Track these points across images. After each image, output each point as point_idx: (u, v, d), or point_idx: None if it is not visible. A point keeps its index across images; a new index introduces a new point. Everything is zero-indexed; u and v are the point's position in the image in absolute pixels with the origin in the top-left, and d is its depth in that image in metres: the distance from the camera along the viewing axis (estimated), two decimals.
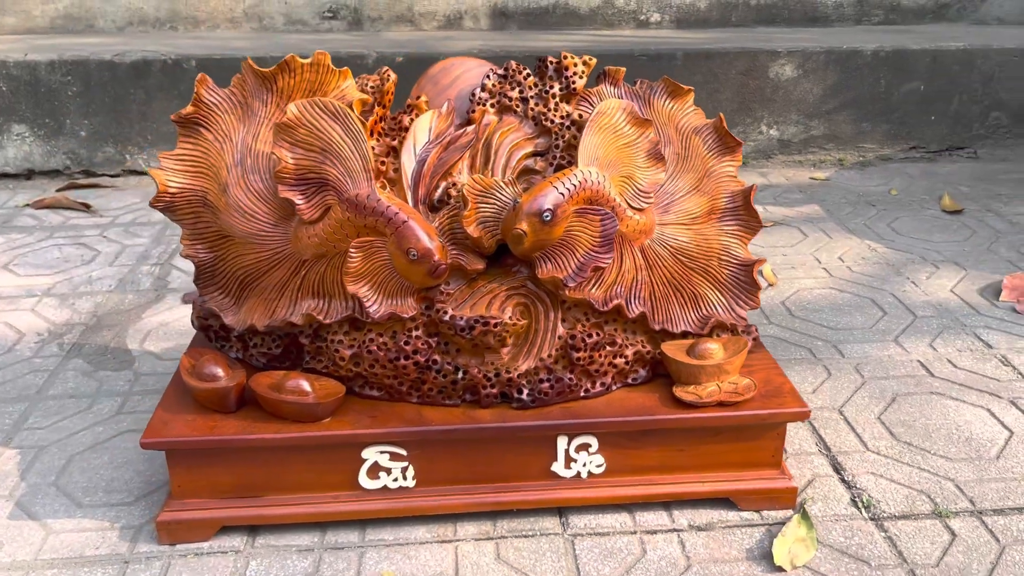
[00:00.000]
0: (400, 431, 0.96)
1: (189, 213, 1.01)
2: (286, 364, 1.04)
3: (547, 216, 0.92)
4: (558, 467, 1.01)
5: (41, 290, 1.60)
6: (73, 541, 0.99)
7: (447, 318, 0.95)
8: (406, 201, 0.97)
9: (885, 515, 1.03)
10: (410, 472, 0.99)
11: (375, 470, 0.98)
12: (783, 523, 1.01)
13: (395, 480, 0.99)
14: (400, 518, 1.01)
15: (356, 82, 1.03)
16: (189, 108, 0.99)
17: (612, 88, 1.07)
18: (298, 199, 0.93)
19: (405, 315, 0.95)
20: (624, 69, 1.07)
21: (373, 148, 0.98)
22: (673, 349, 1.02)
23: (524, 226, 0.92)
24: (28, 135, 2.14)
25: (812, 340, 1.42)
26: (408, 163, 0.98)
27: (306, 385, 0.96)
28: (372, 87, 1.02)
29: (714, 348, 1.01)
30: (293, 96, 0.97)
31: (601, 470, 1.01)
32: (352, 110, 0.92)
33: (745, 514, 1.03)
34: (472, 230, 0.95)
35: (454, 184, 0.99)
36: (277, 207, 0.96)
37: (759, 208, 2.05)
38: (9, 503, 1.05)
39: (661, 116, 1.08)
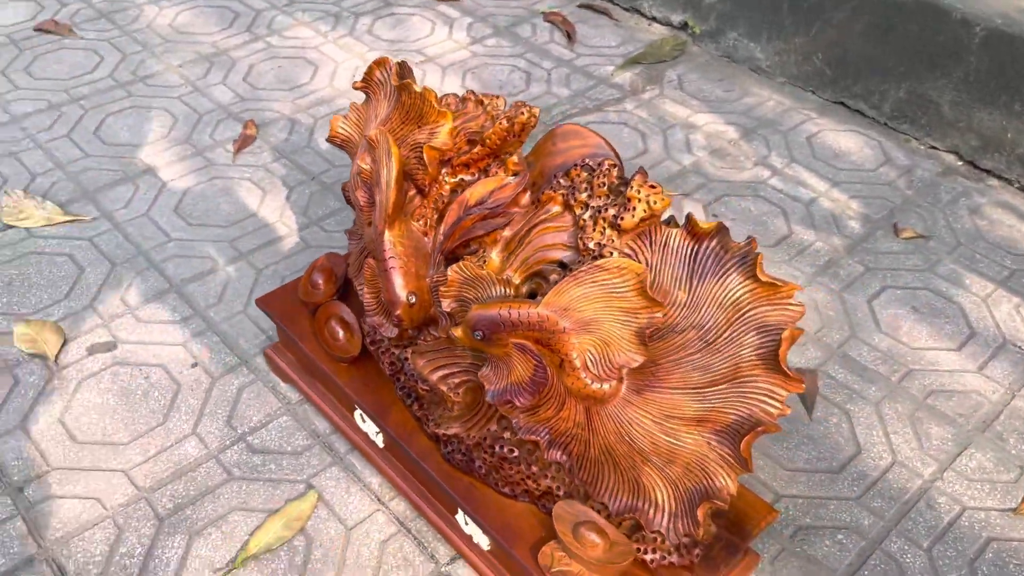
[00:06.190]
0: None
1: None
2: None
3: (477, 335, 0.94)
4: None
5: None
6: None
7: (406, 364, 1.07)
8: (433, 241, 1.05)
9: None
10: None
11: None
12: None
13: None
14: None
15: (494, 112, 1.07)
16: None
17: (687, 243, 0.91)
18: (363, 199, 1.09)
19: (386, 334, 1.09)
20: (718, 225, 0.89)
21: (441, 182, 1.06)
22: (562, 511, 0.98)
23: (459, 332, 0.96)
24: None
25: None
26: (451, 216, 1.03)
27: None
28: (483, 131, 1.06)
29: (597, 540, 0.94)
30: (409, 112, 1.07)
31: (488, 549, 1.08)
32: (392, 153, 1.01)
33: None
34: (446, 305, 1.01)
35: (484, 248, 1.03)
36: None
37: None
38: None
39: (710, 299, 0.89)
